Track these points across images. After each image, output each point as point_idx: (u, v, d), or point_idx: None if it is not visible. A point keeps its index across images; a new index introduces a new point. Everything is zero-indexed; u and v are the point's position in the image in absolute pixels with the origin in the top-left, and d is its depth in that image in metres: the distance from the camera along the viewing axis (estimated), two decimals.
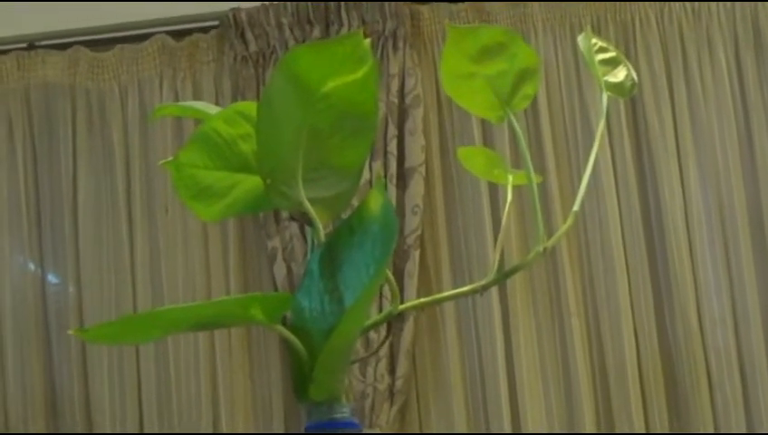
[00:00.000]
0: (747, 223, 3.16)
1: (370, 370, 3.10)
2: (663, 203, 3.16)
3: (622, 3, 3.26)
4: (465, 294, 1.05)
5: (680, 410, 3.12)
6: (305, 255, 3.11)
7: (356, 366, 3.07)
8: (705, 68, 3.23)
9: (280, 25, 3.27)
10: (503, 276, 1.04)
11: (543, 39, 3.27)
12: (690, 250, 3.15)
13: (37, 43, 3.40)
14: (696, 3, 3.26)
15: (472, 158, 1.33)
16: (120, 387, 3.22)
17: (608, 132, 3.19)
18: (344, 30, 3.21)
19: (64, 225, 3.29)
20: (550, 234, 1.05)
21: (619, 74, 1.15)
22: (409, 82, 3.22)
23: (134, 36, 3.39)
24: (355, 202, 0.99)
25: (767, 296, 3.14)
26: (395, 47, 3.22)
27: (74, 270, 3.28)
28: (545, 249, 1.03)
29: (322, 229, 0.97)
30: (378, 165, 3.15)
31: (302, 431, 0.94)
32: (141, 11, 3.31)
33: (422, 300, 1.15)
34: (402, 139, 3.19)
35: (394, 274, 2.97)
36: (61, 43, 3.39)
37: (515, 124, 1.09)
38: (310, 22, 3.27)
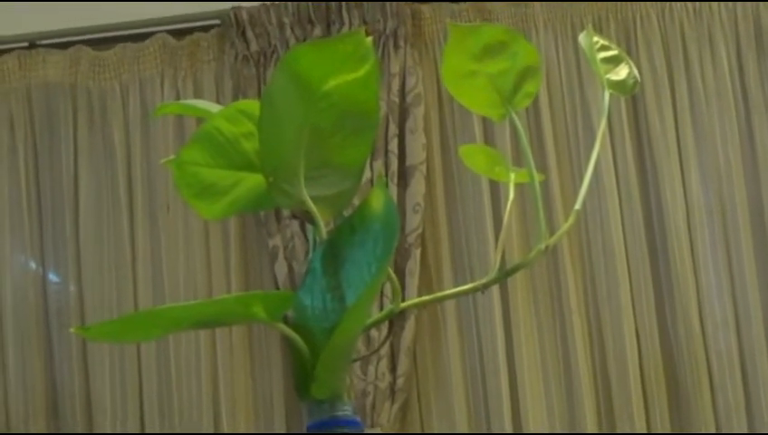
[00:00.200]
0: (748, 220, 3.16)
1: (372, 368, 3.10)
2: (664, 201, 3.16)
3: (623, 2, 3.26)
4: (466, 293, 1.05)
5: (681, 410, 3.12)
6: (306, 253, 3.11)
7: (357, 364, 3.07)
8: (707, 67, 3.23)
9: (281, 25, 3.27)
10: (504, 275, 1.04)
11: (545, 38, 3.27)
12: (691, 249, 3.15)
13: (38, 43, 3.40)
14: (698, 2, 3.26)
15: (473, 156, 1.33)
16: (121, 385, 3.22)
17: (609, 131, 3.19)
18: (345, 29, 3.21)
19: (65, 223, 3.29)
20: (551, 232, 1.05)
21: (621, 72, 1.15)
22: (410, 81, 3.22)
23: (135, 35, 3.39)
24: (356, 201, 0.99)
25: None
26: (396, 46, 3.23)
27: (75, 269, 3.28)
28: (547, 248, 1.03)
29: (324, 227, 0.97)
30: (379, 164, 3.15)
31: (304, 430, 0.94)
32: (142, 10, 3.31)
33: (423, 298, 1.14)
34: (403, 137, 3.19)
35: (395, 272, 2.96)
36: (62, 43, 3.39)
37: (517, 122, 1.09)
38: (311, 21, 3.27)
